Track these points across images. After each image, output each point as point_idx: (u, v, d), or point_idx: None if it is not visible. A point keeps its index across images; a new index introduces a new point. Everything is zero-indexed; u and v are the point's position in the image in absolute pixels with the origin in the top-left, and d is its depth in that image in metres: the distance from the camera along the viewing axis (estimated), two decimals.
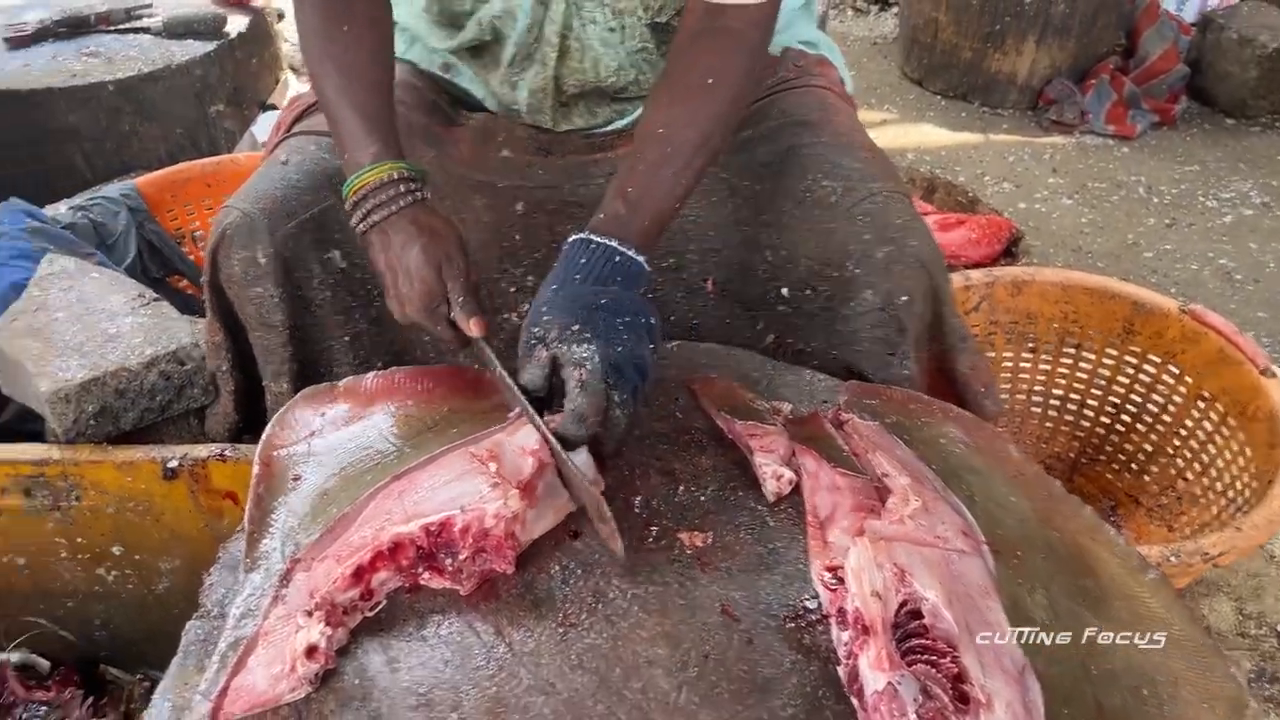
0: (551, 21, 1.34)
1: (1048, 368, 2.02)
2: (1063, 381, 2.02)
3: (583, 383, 1.02)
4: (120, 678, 1.63)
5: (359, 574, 0.95)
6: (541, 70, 1.39)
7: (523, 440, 1.05)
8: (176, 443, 1.42)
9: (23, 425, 1.70)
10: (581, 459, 1.04)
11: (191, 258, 2.34)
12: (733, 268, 1.43)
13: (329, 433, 1.17)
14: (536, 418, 1.06)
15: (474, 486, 0.99)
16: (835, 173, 1.35)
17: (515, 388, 1.10)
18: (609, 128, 1.47)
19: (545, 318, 1.05)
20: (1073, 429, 2.05)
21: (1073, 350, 1.97)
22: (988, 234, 2.61)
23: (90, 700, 1.56)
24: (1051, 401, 2.05)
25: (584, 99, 1.44)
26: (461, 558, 0.96)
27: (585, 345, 1.02)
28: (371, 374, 1.24)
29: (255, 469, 1.11)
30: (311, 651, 0.89)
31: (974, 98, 4.12)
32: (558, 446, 1.04)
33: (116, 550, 1.46)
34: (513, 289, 1.49)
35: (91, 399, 1.36)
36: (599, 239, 1.11)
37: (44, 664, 1.61)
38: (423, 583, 0.98)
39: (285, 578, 0.96)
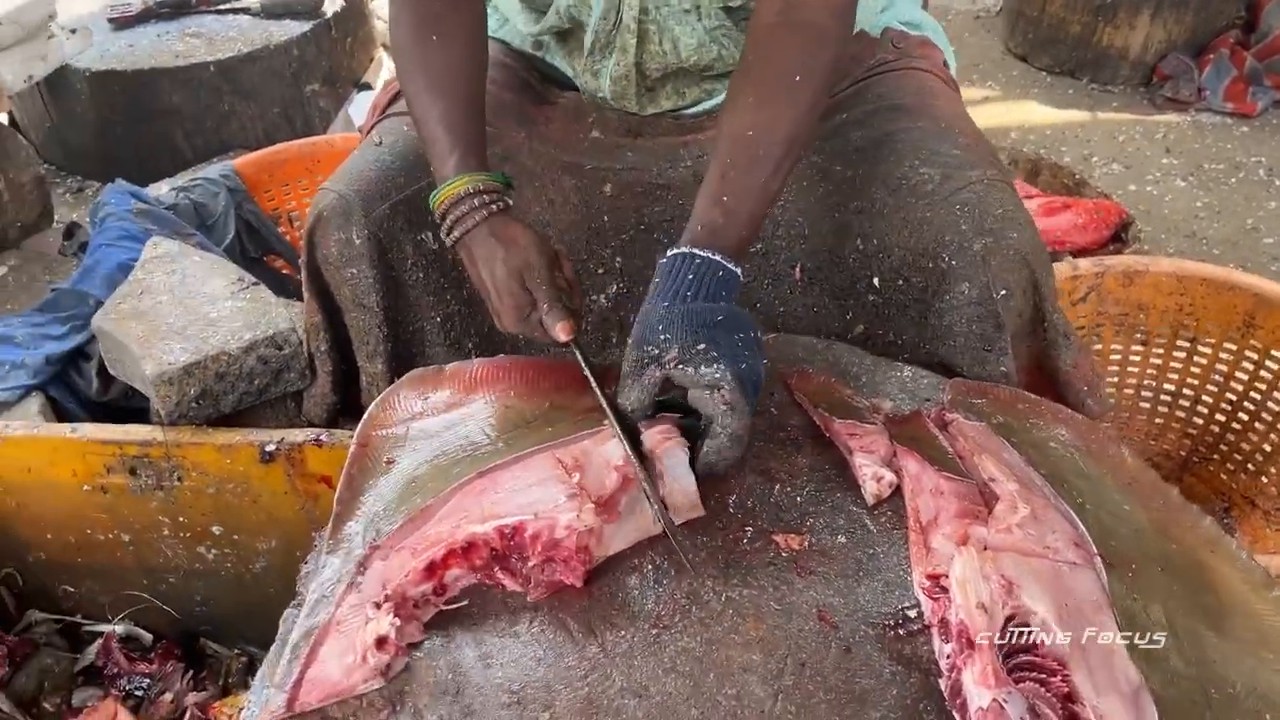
0: (629, 7, 1.31)
1: (1159, 362, 1.93)
2: (1175, 376, 1.93)
3: (730, 404, 0.99)
4: (219, 652, 1.67)
5: (431, 569, 0.95)
6: (622, 57, 1.37)
7: (610, 453, 1.04)
8: (274, 426, 1.45)
9: (127, 403, 1.75)
10: (683, 477, 1.01)
11: (287, 238, 2.38)
12: (822, 255, 1.39)
13: (429, 418, 1.17)
14: (622, 436, 1.04)
15: (551, 494, 0.98)
16: (933, 159, 1.30)
17: (602, 397, 1.08)
18: (697, 108, 1.44)
19: (663, 336, 1.02)
20: (1184, 426, 1.96)
21: (1187, 344, 1.88)
22: (1095, 219, 2.51)
23: (190, 673, 1.61)
24: (1162, 397, 1.96)
25: (670, 80, 1.41)
26: (531, 565, 0.95)
27: (716, 365, 1.00)
28: (478, 361, 1.24)
29: (352, 448, 1.13)
30: (381, 643, 0.89)
31: (1082, 74, 3.96)
32: (641, 472, 1.01)
33: (216, 530, 1.50)
34: (600, 270, 1.48)
35: (193, 382, 1.39)
36: (703, 253, 1.08)
37: (147, 637, 1.66)
38: (496, 584, 0.97)
39: (363, 565, 0.96)
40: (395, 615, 0.91)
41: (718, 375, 0.99)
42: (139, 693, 1.57)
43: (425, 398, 1.19)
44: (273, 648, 0.95)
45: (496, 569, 0.96)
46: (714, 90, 1.44)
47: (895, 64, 1.47)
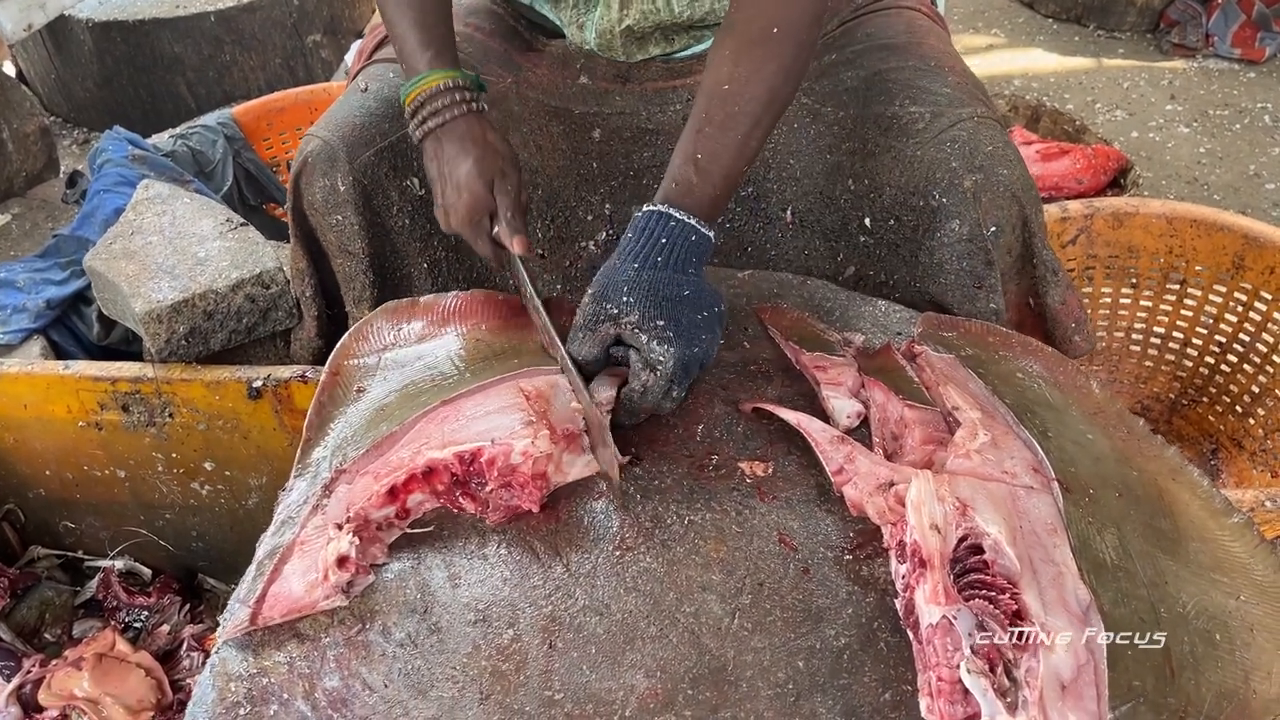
0: None
1: (1149, 304, 1.93)
2: (1164, 319, 1.93)
3: (647, 388, 1.01)
4: (216, 587, 1.71)
5: (394, 493, 0.97)
6: (606, 13, 1.36)
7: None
8: (263, 364, 1.47)
9: (128, 347, 1.78)
10: (605, 392, 1.04)
11: (286, 186, 2.39)
12: (813, 197, 1.39)
13: (401, 348, 1.19)
14: (568, 361, 1.06)
15: (509, 421, 1.00)
16: (923, 98, 1.30)
17: (547, 320, 1.10)
18: (686, 53, 1.44)
19: (625, 299, 1.02)
20: (1174, 368, 1.96)
21: (1176, 286, 1.88)
22: (1093, 164, 2.49)
23: (187, 606, 1.65)
24: (1152, 340, 1.97)
25: (658, 29, 1.41)
26: (488, 490, 0.97)
27: (665, 347, 1.00)
28: (452, 294, 1.25)
29: (323, 376, 1.15)
30: (342, 561, 0.92)
31: (1089, 20, 3.91)
32: (580, 384, 1.04)
33: (208, 466, 1.52)
34: (590, 216, 1.48)
35: (182, 320, 1.41)
36: (679, 215, 1.07)
37: (145, 572, 1.70)
38: (457, 508, 0.99)
39: (328, 488, 0.99)
40: (356, 536, 0.93)
41: (662, 358, 1.00)
42: (137, 624, 1.61)
43: (398, 328, 1.21)
44: (248, 570, 0.98)
45: (458, 494, 0.98)
46: (704, 35, 1.44)
47: (884, 3, 1.46)
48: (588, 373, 1.07)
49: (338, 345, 1.19)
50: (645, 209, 1.09)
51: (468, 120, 1.18)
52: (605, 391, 1.04)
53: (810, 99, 1.38)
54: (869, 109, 1.33)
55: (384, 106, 1.38)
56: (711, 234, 1.09)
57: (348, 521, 0.94)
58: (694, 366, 1.03)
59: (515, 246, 1.15)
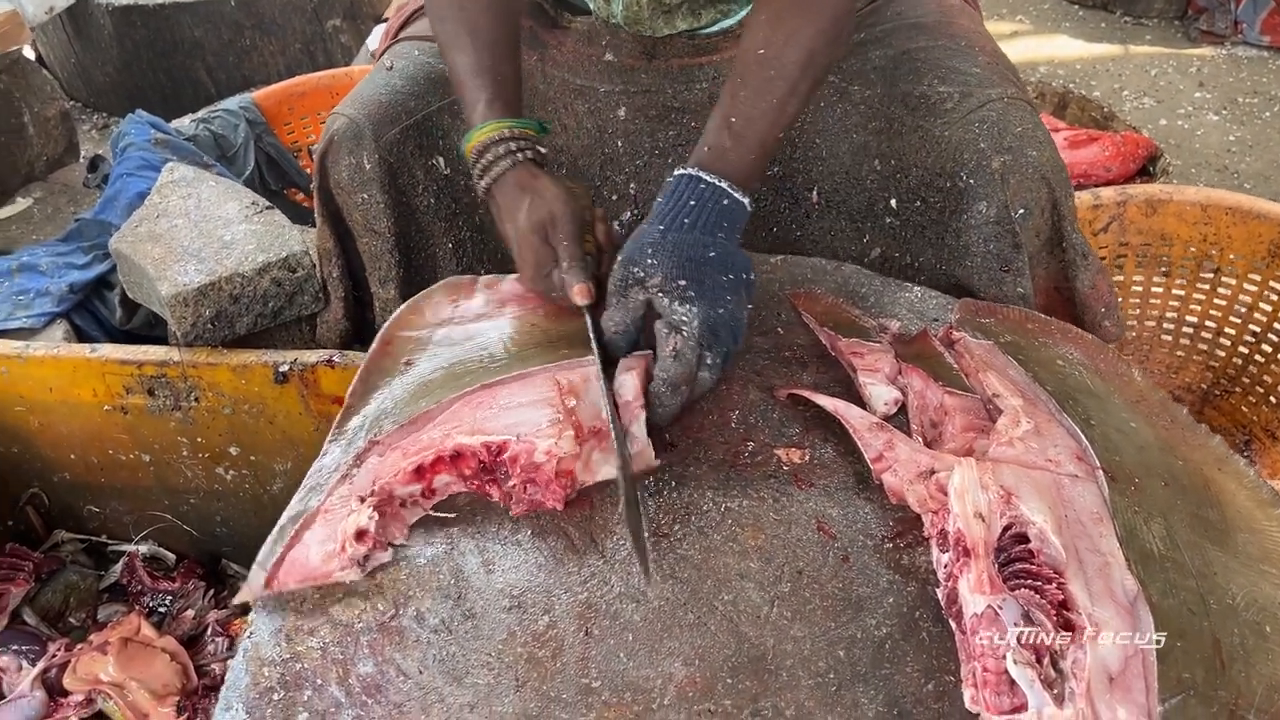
0: None
1: (1181, 293, 1.90)
2: (1197, 308, 1.91)
3: (677, 351, 0.98)
4: (239, 572, 1.71)
5: (420, 472, 0.96)
6: None
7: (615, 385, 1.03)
8: (288, 349, 1.46)
9: (150, 332, 1.77)
10: (639, 431, 0.98)
11: (307, 171, 2.38)
12: (839, 177, 1.37)
13: (455, 325, 1.18)
14: (603, 385, 1.01)
15: (536, 417, 0.98)
16: (951, 78, 1.28)
17: (596, 353, 1.05)
18: (714, 28, 1.42)
19: (649, 260, 1.01)
20: (1206, 358, 1.94)
21: (1210, 275, 1.85)
22: (1122, 152, 2.46)
23: (211, 591, 1.64)
24: (1184, 329, 1.94)
25: (685, 1, 1.39)
26: (511, 484, 0.96)
27: (688, 306, 0.98)
28: (514, 275, 1.23)
29: (374, 345, 1.14)
30: (360, 535, 0.92)
31: (1115, 6, 3.87)
32: (616, 421, 0.98)
33: (233, 451, 1.52)
34: (614, 196, 1.47)
35: (208, 303, 1.40)
36: (709, 178, 1.05)
37: (169, 557, 1.69)
38: (484, 494, 0.98)
39: (360, 458, 0.98)
40: (377, 511, 0.93)
41: (685, 318, 0.98)
42: (162, 609, 1.60)
43: (456, 305, 1.20)
44: (271, 534, 0.98)
45: (485, 480, 0.97)
46: (730, 10, 1.42)
47: None
48: (620, 344, 1.05)
49: (393, 315, 1.19)
50: (677, 172, 1.07)
51: (516, 172, 1.15)
52: (632, 393, 1.00)
53: (837, 77, 1.36)
54: (897, 88, 1.31)
55: (410, 85, 1.37)
56: (746, 200, 1.07)
57: (371, 495, 0.94)
58: (722, 330, 1.00)
59: (577, 298, 1.10)
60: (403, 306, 1.20)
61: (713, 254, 1.02)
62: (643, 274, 1.01)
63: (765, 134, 1.09)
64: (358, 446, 1.00)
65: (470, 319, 1.18)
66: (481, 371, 1.07)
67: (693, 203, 1.04)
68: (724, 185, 1.05)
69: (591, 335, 1.09)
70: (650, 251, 1.01)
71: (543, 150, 1.18)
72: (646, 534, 0.93)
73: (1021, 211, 1.21)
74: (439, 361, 1.11)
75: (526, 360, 1.08)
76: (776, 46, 1.09)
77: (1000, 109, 1.23)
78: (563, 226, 1.12)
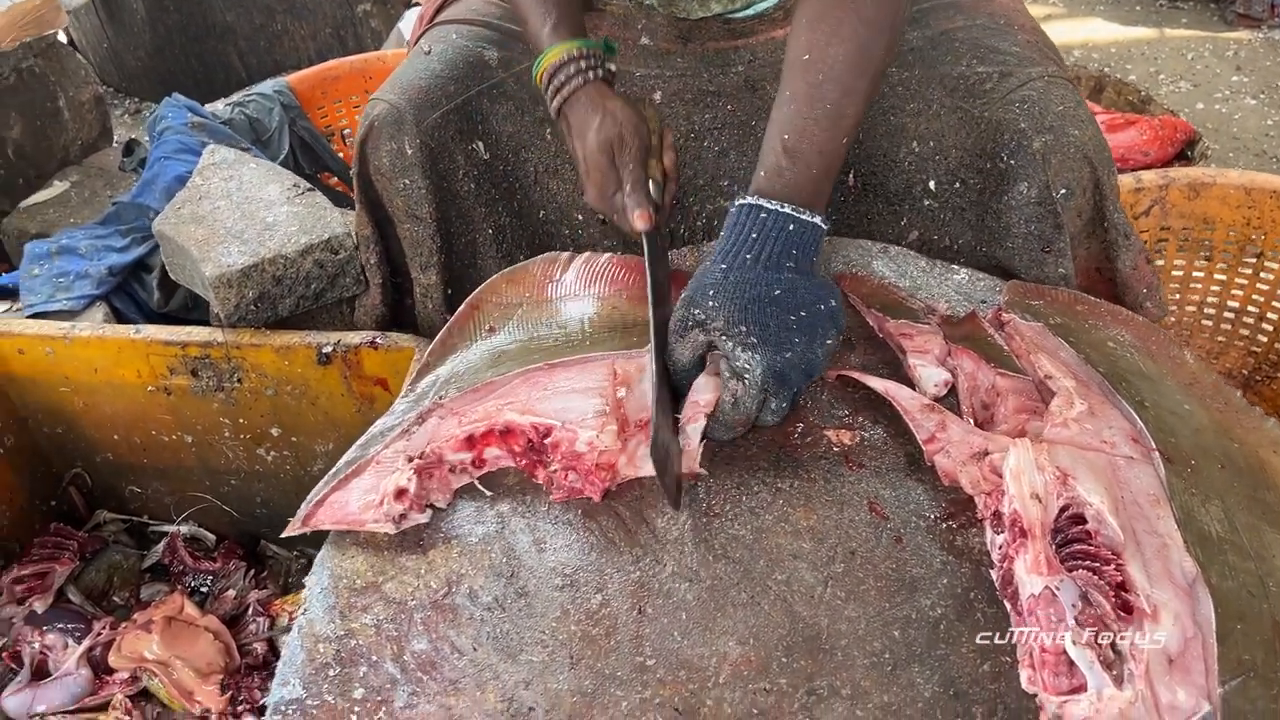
0: None
1: (1223, 278, 1.88)
2: (1239, 293, 1.88)
3: (737, 398, 0.95)
4: (279, 554, 1.72)
5: (471, 441, 0.97)
6: None
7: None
8: (330, 330, 1.46)
9: (187, 315, 1.78)
10: (694, 433, 0.97)
11: (341, 155, 2.39)
12: (876, 160, 1.36)
13: (542, 299, 1.19)
14: (658, 361, 1.00)
15: (584, 406, 0.98)
16: (991, 57, 1.27)
17: (651, 311, 1.05)
18: (748, 11, 1.41)
19: (711, 304, 0.96)
20: (1247, 344, 1.92)
21: (1253, 260, 1.83)
22: (1160, 136, 2.44)
23: (251, 572, 1.65)
24: (1225, 314, 1.92)
25: None
26: (552, 469, 0.96)
27: (750, 354, 0.93)
28: (606, 256, 1.23)
29: (461, 307, 1.17)
30: (400, 494, 0.93)
31: None
32: (660, 418, 0.96)
33: (275, 432, 1.53)
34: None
35: (251, 284, 1.41)
36: (770, 205, 0.99)
37: (210, 537, 1.71)
38: (530, 474, 0.98)
39: (422, 417, 1.00)
40: (422, 474, 0.94)
41: (748, 366, 0.94)
42: (203, 589, 1.62)
43: (550, 279, 1.21)
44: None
45: (533, 460, 0.98)
46: None
47: None
48: (683, 378, 1.02)
49: (487, 282, 1.20)
50: (737, 203, 1.02)
51: (587, 90, 1.15)
52: (705, 395, 0.98)
53: None
54: (935, 69, 1.30)
55: (449, 69, 1.37)
56: (817, 219, 1.00)
57: (420, 457, 0.95)
58: (791, 373, 0.95)
59: (637, 222, 1.10)
60: (499, 274, 1.22)
61: (778, 292, 0.96)
62: (704, 316, 0.96)
63: (824, 144, 1.02)
64: (423, 406, 1.01)
65: (558, 295, 1.19)
66: (552, 349, 1.08)
67: (754, 235, 0.99)
68: (787, 210, 0.99)
69: (647, 264, 1.09)
70: (711, 293, 0.96)
71: (612, 69, 1.18)
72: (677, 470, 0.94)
73: (1063, 191, 1.20)
74: (517, 333, 1.12)
75: (597, 344, 1.09)
76: (820, 48, 1.03)
77: (1041, 88, 1.22)
78: (629, 149, 1.11)
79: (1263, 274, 1.83)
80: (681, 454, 0.96)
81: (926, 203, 1.34)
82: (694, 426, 0.96)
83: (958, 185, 1.30)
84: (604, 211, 1.16)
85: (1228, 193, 1.78)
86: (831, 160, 1.03)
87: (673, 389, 1.02)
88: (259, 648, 1.51)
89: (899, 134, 1.33)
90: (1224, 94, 3.20)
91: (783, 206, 0.99)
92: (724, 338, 0.95)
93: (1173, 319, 1.93)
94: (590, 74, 1.16)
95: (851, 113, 1.03)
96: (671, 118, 1.42)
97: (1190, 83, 3.27)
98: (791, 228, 0.99)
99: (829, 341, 0.98)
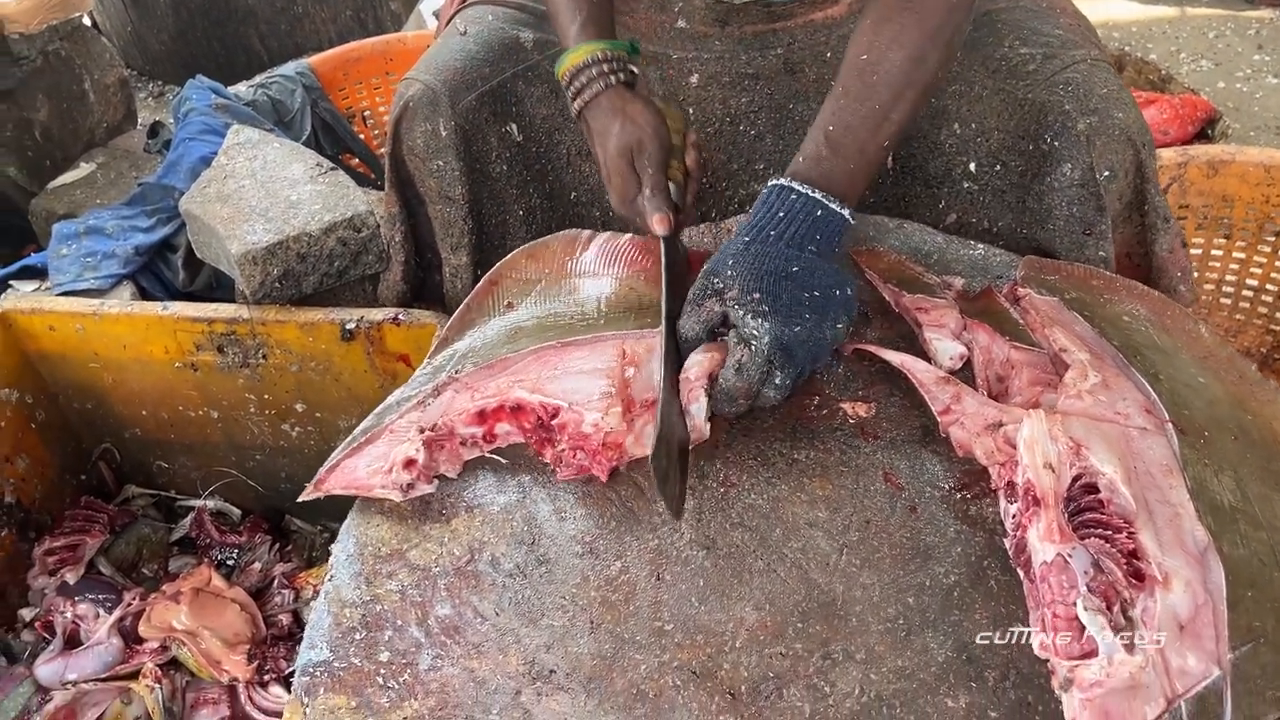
0: None
1: (1242, 256, 1.88)
2: (1258, 271, 1.88)
3: (740, 364, 0.95)
4: (303, 528, 1.75)
5: (482, 416, 0.99)
6: None
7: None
8: (353, 308, 1.48)
9: (211, 294, 1.81)
10: (698, 412, 0.98)
11: (362, 137, 2.41)
12: (916, 142, 1.36)
13: (561, 276, 1.20)
14: (666, 351, 1.01)
15: (591, 386, 1.00)
16: (1034, 39, 1.27)
17: (663, 306, 1.06)
18: None
19: (729, 272, 0.97)
20: (1266, 322, 1.92)
21: (1273, 238, 1.83)
22: (1180, 114, 2.43)
23: (276, 546, 1.68)
24: (1244, 292, 1.92)
25: None
26: (560, 448, 0.98)
27: (760, 321, 0.94)
28: (628, 236, 1.25)
29: (480, 283, 1.19)
30: (409, 464, 0.96)
31: None
32: (668, 396, 0.97)
33: (299, 407, 1.55)
34: None
35: (276, 262, 1.43)
36: (801, 188, 1.00)
37: (235, 512, 1.74)
38: (539, 451, 1.00)
39: (438, 390, 1.02)
40: (431, 445, 0.97)
41: (756, 332, 0.94)
42: (229, 562, 1.65)
43: (569, 257, 1.22)
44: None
45: (542, 438, 1.00)
46: None
47: None
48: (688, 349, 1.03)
49: (506, 258, 1.22)
50: (769, 184, 1.03)
51: (608, 95, 1.15)
52: (697, 369, 0.98)
53: None
54: (976, 51, 1.30)
55: (484, 50, 1.38)
56: (845, 212, 1.01)
57: (432, 429, 0.97)
58: (798, 349, 0.95)
59: (655, 226, 1.11)
60: (519, 250, 1.23)
61: (795, 269, 0.97)
62: (721, 285, 0.98)
63: (865, 142, 1.03)
64: (439, 379, 1.03)
65: (577, 273, 1.20)
66: (567, 327, 1.09)
67: (781, 214, 1.00)
68: (818, 196, 1.00)
69: (663, 268, 1.10)
70: (731, 263, 0.98)
71: (635, 70, 1.18)
72: (677, 479, 0.94)
73: (1106, 174, 1.20)
74: (535, 310, 1.14)
75: (612, 323, 1.10)
76: (879, 50, 1.03)
77: (1085, 70, 1.22)
78: (648, 153, 1.12)
79: None
80: (687, 467, 0.96)
81: (966, 185, 1.34)
82: (696, 406, 0.97)
83: (998, 167, 1.30)
84: (627, 215, 1.16)
85: (1247, 170, 1.78)
86: (870, 160, 1.04)
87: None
88: (284, 619, 1.55)
89: (940, 116, 1.33)
90: (1245, 73, 3.17)
91: (814, 192, 1.01)
92: (736, 305, 0.96)
93: (1191, 297, 1.93)
94: (612, 78, 1.15)
95: (897, 118, 1.04)
96: (708, 101, 1.42)
97: (1211, 61, 3.25)
98: (819, 213, 1.00)
99: (839, 325, 0.99)
